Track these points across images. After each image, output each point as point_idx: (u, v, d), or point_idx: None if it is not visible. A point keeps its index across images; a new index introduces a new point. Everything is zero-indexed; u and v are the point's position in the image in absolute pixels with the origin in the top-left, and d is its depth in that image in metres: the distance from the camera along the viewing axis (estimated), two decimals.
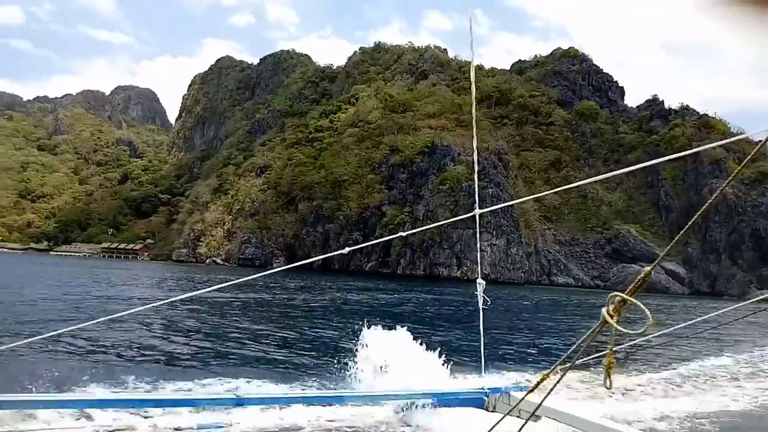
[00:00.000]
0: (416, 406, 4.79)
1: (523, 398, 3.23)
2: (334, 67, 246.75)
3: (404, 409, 4.88)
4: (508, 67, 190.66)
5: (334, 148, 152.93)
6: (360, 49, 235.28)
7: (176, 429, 4.05)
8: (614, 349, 1.87)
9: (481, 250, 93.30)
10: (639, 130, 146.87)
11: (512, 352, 16.52)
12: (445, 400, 4.89)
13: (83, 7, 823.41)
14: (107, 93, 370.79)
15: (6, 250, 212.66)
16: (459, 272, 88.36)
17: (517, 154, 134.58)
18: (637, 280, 1.70)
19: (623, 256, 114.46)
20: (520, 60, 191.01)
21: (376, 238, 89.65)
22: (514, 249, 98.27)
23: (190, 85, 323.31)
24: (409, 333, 7.40)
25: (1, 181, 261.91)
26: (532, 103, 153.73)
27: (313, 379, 10.01)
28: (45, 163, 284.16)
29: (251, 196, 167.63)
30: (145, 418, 4.30)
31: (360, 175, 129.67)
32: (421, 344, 7.48)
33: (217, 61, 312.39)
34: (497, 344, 17.32)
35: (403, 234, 4.06)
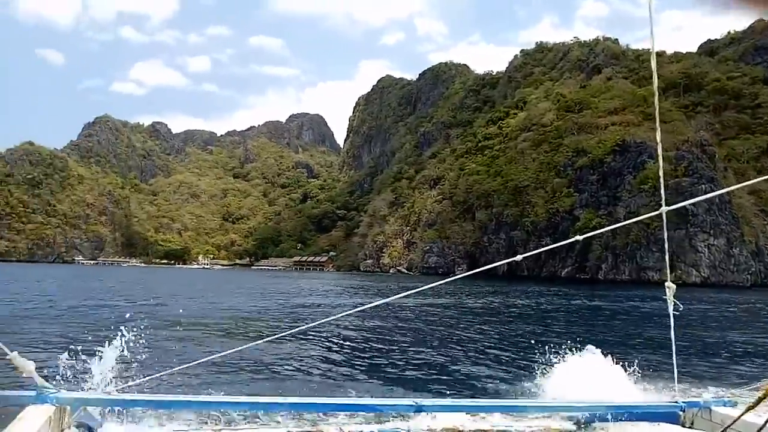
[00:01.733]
0: (603, 419, 4.52)
1: (740, 416, 2.90)
2: (494, 73, 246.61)
3: (588, 421, 4.61)
4: (694, 49, 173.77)
5: (508, 155, 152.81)
6: (521, 51, 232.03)
7: None
8: None
9: (697, 251, 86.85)
10: None
11: (713, 362, 14.47)
12: (634, 412, 4.54)
13: (256, 48, 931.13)
14: (283, 121, 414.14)
15: (219, 266, 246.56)
16: (672, 276, 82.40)
17: (719, 144, 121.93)
18: None
19: None
20: (709, 39, 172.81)
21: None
22: (737, 249, 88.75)
23: (354, 107, 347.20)
24: (598, 350, 6.89)
25: (209, 207, 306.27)
26: (732, 86, 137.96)
27: (494, 387, 9.60)
28: (240, 189, 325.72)
29: (427, 207, 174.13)
30: (326, 423, 4.59)
31: (542, 180, 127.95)
32: (609, 356, 7.02)
33: (378, 81, 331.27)
34: (696, 353, 15.57)
35: (579, 238, 4.01)
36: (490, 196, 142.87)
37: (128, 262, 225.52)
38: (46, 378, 3.39)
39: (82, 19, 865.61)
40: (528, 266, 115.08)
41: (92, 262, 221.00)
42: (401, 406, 4.05)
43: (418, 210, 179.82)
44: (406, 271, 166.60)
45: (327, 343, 15.14)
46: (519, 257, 3.77)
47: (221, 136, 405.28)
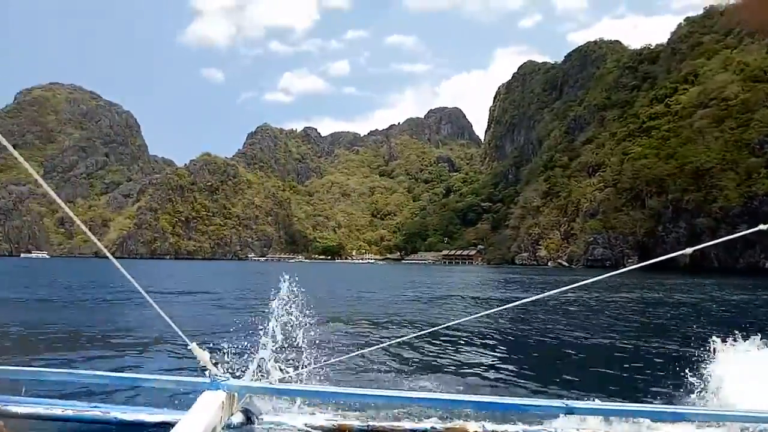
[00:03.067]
0: None
1: None
2: (653, 47, 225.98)
3: None
4: None
5: (682, 135, 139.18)
6: (685, 19, 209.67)
7: None
8: None
9: None
10: None
11: None
12: None
13: (391, 47, 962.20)
14: (422, 117, 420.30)
15: (371, 261, 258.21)
16: None
17: None
18: None
19: None
20: None
21: None
22: None
23: (495, 97, 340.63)
24: None
25: (359, 204, 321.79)
26: None
27: (654, 391, 8.90)
28: (386, 186, 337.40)
29: (587, 196, 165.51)
30: (470, 420, 4.37)
31: (731, 161, 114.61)
32: None
33: (519, 68, 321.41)
34: None
35: (764, 227, 3.23)
36: (664, 182, 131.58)
37: (294, 258, 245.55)
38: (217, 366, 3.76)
39: (237, 38, 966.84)
40: (719, 257, 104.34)
41: (262, 258, 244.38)
42: (550, 407, 3.80)
43: (576, 199, 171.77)
44: (566, 264, 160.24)
45: (479, 338, 14.79)
46: (689, 250, 3.40)
47: (364, 136, 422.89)
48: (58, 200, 2.63)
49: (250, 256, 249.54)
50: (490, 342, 14.42)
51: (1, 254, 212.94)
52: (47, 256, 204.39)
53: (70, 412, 3.84)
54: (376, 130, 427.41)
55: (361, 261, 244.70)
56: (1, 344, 12.51)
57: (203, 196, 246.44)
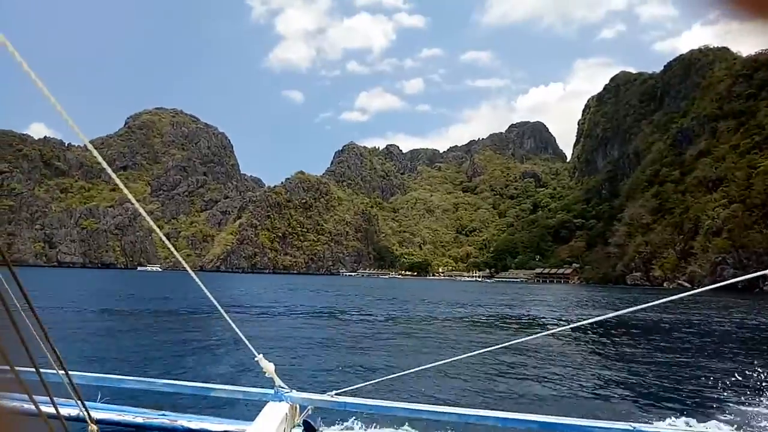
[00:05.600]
0: None
1: None
2: None
3: None
4: None
5: None
6: None
7: None
8: None
9: None
10: None
11: None
12: None
13: (466, 63, 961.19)
14: (503, 132, 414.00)
15: (461, 279, 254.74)
16: None
17: None
18: None
19: None
20: None
21: None
22: None
23: (584, 110, 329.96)
24: None
25: (443, 221, 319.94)
26: None
27: (721, 416, 8.52)
28: (470, 202, 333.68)
29: (708, 213, 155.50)
30: None
31: None
32: None
33: (611, 79, 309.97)
34: None
35: None
36: None
37: (387, 274, 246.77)
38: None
39: (316, 60, 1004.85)
40: None
41: (353, 274, 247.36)
42: (616, 430, 3.62)
43: (694, 216, 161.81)
44: (687, 285, 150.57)
45: (546, 357, 14.64)
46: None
47: (444, 152, 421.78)
48: (153, 225, 2.82)
49: (342, 271, 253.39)
50: (559, 360, 14.31)
51: (118, 267, 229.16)
52: (159, 269, 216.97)
53: (140, 419, 4.00)
54: (456, 146, 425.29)
55: (478, 279, 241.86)
56: (89, 350, 13.11)
57: (298, 213, 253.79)
